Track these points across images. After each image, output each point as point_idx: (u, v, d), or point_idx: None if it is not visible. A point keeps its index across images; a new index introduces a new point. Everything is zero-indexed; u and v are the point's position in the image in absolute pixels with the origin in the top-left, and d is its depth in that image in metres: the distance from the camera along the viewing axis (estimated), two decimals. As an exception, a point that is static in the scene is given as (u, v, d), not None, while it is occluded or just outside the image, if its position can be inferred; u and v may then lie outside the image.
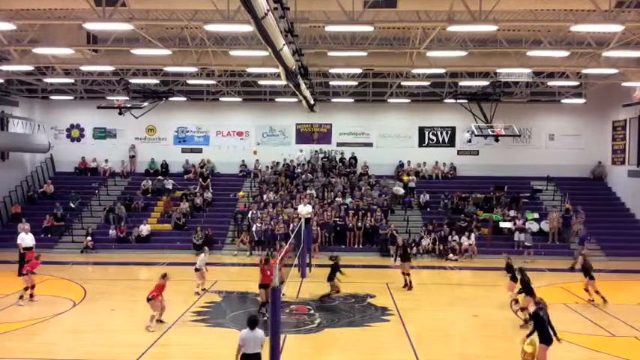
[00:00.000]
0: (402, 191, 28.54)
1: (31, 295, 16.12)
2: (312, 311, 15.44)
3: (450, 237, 24.79)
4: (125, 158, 31.51)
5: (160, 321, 13.90)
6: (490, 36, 19.78)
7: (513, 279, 15.54)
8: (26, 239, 20.08)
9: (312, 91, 24.67)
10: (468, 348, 12.75)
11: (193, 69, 23.21)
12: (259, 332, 9.39)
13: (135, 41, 19.75)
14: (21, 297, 15.83)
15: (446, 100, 28.65)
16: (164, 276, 14.23)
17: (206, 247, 19.41)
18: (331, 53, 20.48)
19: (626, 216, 27.79)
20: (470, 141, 30.74)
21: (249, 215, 26.14)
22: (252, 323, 9.39)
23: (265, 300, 13.91)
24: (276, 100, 30.35)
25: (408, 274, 18.24)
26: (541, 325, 10.02)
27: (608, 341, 13.21)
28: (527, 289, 14.09)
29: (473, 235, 25.00)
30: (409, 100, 29.99)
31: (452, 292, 18.63)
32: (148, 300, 13.69)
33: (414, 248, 24.34)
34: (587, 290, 16.63)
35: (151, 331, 13.28)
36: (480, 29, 17.10)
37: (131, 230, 25.92)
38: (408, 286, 18.09)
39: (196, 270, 17.62)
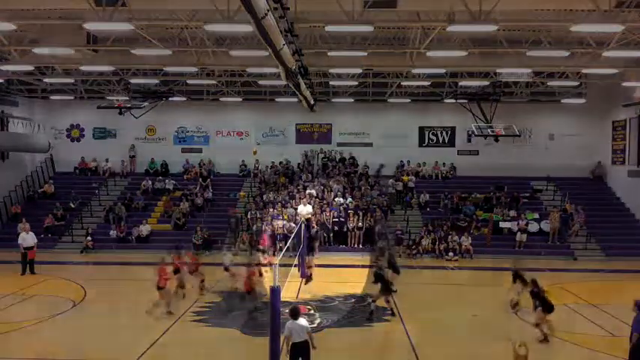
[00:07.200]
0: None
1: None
2: (312, 311, 15.44)
3: (449, 237, 24.78)
4: (125, 158, 31.50)
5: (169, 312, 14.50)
6: (490, 36, 19.75)
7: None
8: (27, 239, 20.12)
9: (312, 91, 24.68)
10: (468, 348, 12.74)
11: (193, 69, 23.19)
12: (303, 321, 9.85)
13: (135, 41, 19.71)
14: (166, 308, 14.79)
15: (446, 100, 28.64)
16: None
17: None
18: (331, 53, 20.44)
19: (626, 216, 27.76)
20: (470, 140, 30.76)
21: (249, 215, 26.13)
22: (294, 313, 9.83)
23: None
24: (276, 100, 30.31)
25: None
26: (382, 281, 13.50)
27: (608, 341, 13.23)
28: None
29: (466, 236, 24.97)
30: (409, 100, 29.98)
31: (452, 292, 18.62)
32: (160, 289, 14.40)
33: (415, 248, 24.36)
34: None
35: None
36: (480, 29, 17.07)
37: (131, 230, 25.93)
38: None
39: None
